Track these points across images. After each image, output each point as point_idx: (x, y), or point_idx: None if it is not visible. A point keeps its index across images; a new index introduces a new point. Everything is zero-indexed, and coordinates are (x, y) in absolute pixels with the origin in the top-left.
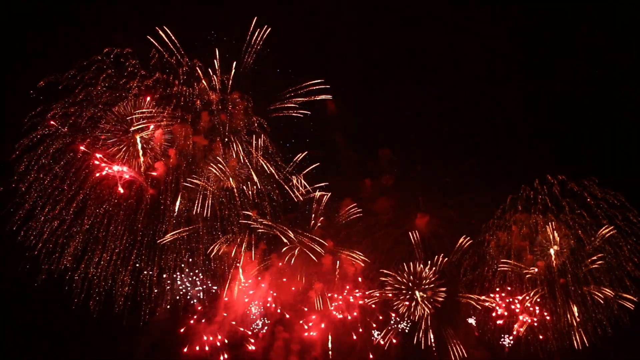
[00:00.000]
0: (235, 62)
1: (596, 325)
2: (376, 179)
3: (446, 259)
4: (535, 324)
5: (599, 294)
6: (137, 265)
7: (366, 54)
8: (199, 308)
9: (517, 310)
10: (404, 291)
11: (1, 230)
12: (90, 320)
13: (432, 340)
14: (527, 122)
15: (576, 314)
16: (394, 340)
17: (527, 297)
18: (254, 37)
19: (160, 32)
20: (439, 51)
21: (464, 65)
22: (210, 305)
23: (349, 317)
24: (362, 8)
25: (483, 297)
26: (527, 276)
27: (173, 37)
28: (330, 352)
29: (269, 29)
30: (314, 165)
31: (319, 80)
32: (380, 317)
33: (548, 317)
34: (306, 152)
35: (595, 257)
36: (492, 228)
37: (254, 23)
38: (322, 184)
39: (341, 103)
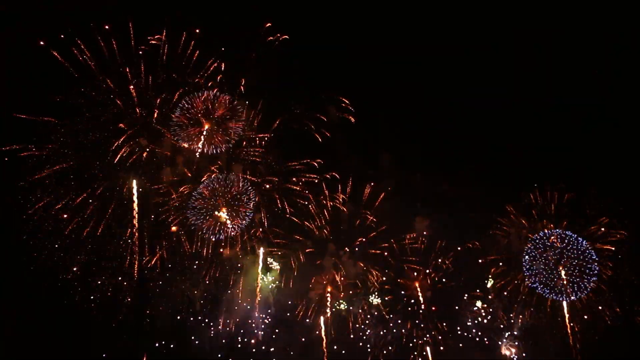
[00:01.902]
0: (243, 80)
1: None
2: (377, 185)
3: (444, 264)
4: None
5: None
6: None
7: (368, 61)
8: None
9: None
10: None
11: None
12: (92, 323)
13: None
14: (528, 130)
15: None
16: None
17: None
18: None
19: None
20: (440, 59)
21: (464, 73)
22: (212, 307)
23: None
24: (364, 14)
25: (480, 302)
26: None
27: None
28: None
29: (282, 37)
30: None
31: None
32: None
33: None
34: (310, 160)
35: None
36: (489, 234)
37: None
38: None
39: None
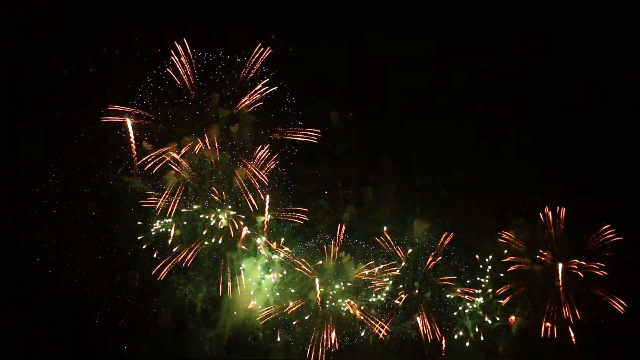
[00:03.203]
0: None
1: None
2: (377, 188)
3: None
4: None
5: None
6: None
7: (368, 66)
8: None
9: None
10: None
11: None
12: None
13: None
14: (529, 135)
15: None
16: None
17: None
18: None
19: None
20: (438, 65)
21: (464, 80)
22: (213, 308)
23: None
24: (363, 15)
25: (479, 302)
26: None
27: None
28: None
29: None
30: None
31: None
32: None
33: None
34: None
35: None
36: (487, 237)
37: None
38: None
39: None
